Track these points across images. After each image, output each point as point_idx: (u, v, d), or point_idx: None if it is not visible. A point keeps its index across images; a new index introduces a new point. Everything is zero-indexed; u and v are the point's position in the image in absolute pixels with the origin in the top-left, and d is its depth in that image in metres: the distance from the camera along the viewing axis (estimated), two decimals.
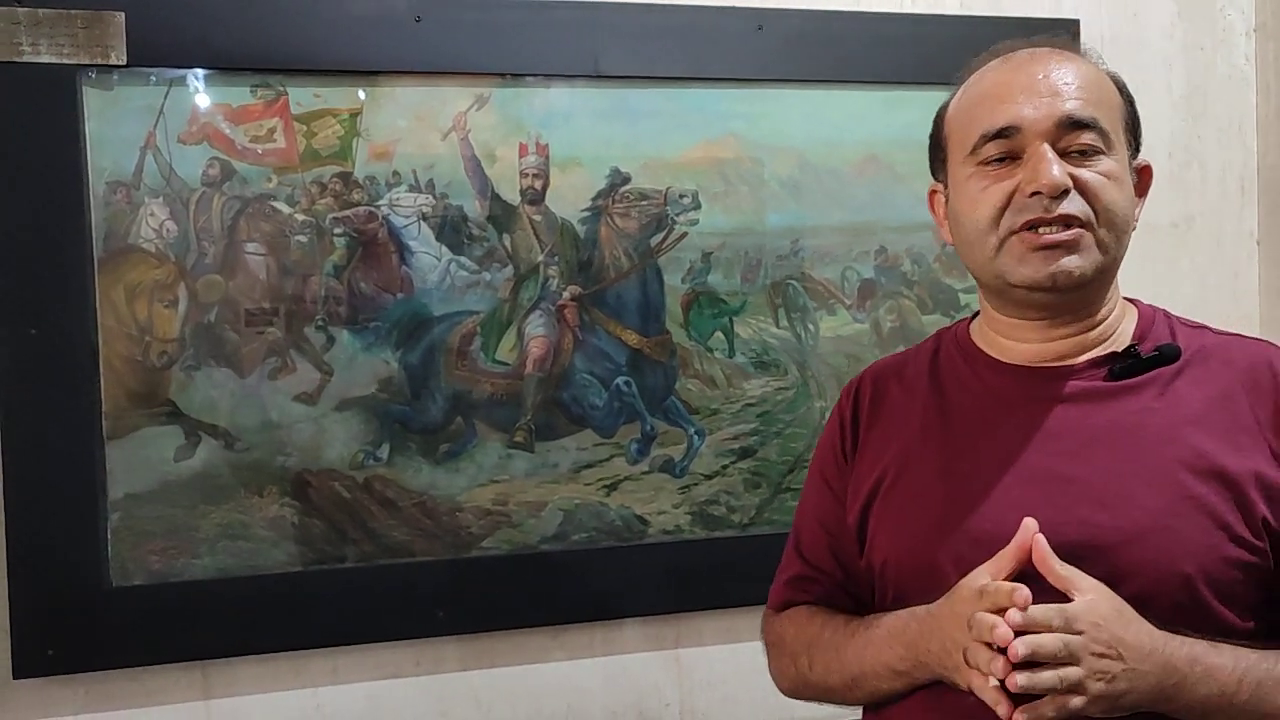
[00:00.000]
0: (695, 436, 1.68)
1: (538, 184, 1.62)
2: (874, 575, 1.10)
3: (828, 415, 1.71)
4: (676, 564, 1.67)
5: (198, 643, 1.52)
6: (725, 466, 1.69)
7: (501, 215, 1.61)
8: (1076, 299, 1.01)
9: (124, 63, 1.47)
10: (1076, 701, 0.88)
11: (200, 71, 1.51)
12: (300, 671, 1.57)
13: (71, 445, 1.46)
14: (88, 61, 1.46)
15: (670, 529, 1.68)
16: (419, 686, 1.61)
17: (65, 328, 1.46)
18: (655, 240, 1.67)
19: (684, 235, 1.67)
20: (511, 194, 1.61)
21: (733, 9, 1.68)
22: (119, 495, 1.49)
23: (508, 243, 1.61)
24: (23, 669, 1.46)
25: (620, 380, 1.66)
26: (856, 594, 1.14)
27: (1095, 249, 0.98)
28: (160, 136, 1.50)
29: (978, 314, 1.13)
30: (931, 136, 1.11)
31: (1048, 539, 0.93)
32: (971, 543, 0.99)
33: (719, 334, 1.69)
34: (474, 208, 1.60)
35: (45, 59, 1.44)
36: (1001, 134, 0.99)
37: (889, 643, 1.02)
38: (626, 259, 1.66)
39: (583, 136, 1.63)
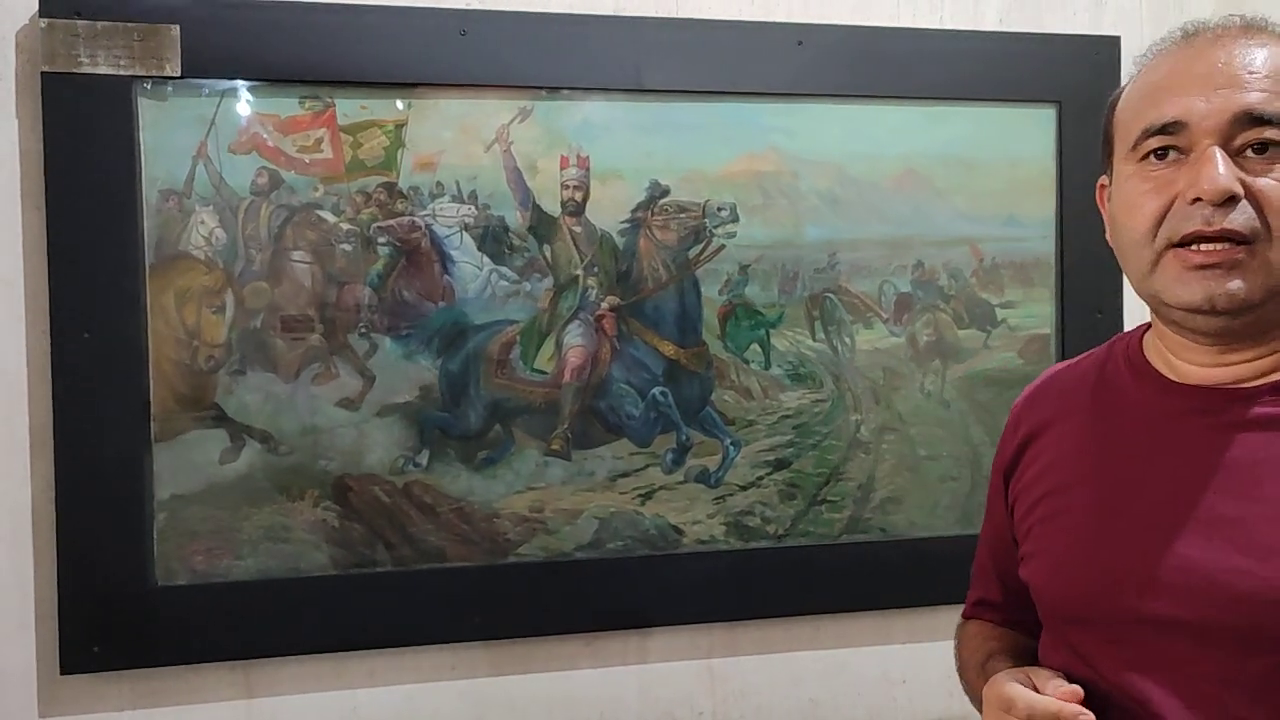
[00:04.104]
0: (731, 447, 1.69)
1: (578, 195, 1.64)
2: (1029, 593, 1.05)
3: (862, 428, 1.73)
4: (710, 574, 1.68)
5: (240, 642, 1.54)
6: (760, 478, 1.70)
7: (542, 226, 1.63)
8: (1248, 323, 0.88)
9: (178, 74, 1.50)
10: None
11: (251, 83, 1.54)
12: (339, 673, 1.60)
13: (121, 446, 1.49)
14: (143, 73, 1.49)
15: (705, 539, 1.69)
16: (455, 691, 1.63)
17: (117, 332, 1.49)
18: (693, 252, 1.68)
19: (722, 248, 1.68)
20: (552, 205, 1.63)
21: (773, 24, 1.69)
22: (165, 496, 1.52)
23: (548, 253, 1.64)
24: (70, 665, 1.49)
25: (657, 390, 1.67)
26: (1024, 613, 1.08)
27: (1264, 270, 0.85)
28: (211, 146, 1.53)
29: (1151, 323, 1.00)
30: (1103, 128, 0.99)
31: (1200, 585, 0.86)
32: (1121, 577, 0.91)
33: (755, 346, 1.70)
34: (515, 218, 1.62)
35: (103, 70, 1.48)
36: (1165, 129, 0.87)
37: None
38: (665, 270, 1.67)
39: (623, 149, 1.65)
